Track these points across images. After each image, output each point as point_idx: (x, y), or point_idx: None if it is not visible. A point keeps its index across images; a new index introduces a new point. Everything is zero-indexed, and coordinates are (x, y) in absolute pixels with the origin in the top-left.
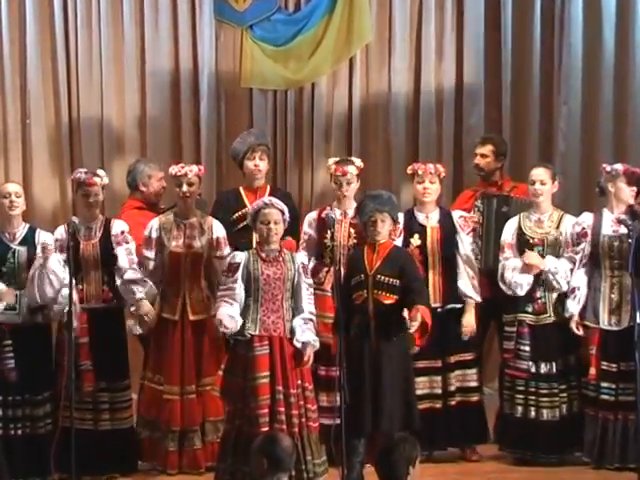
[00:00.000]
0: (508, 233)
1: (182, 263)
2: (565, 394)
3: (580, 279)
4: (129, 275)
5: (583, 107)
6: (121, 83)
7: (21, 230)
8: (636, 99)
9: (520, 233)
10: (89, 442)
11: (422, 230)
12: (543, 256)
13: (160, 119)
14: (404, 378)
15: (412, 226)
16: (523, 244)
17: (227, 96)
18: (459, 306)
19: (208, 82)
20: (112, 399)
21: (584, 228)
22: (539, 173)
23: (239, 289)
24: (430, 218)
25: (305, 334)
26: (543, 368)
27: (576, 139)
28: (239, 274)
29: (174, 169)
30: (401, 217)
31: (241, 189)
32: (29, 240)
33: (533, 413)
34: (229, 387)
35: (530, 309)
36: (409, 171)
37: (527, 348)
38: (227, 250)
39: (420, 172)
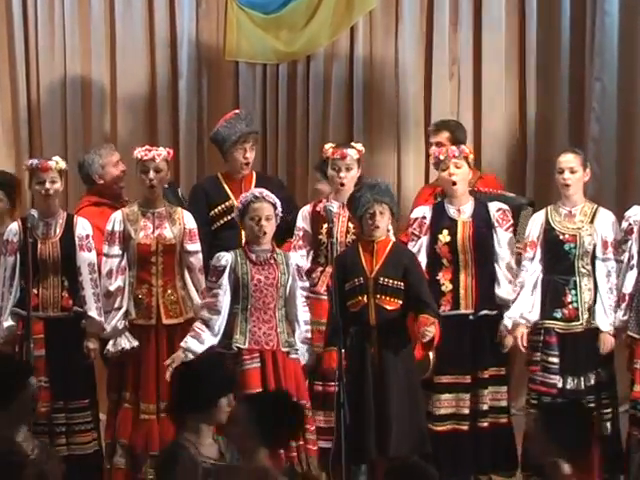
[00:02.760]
0: (533, 229)
1: (153, 256)
2: (594, 413)
3: (629, 284)
4: (92, 313)
5: (619, 84)
6: (87, 57)
7: None
8: None
9: (548, 228)
10: None
11: (452, 225)
12: (573, 256)
13: (133, 98)
14: (412, 395)
15: (441, 220)
16: (552, 241)
17: (209, 71)
18: (493, 313)
19: (188, 55)
20: (70, 420)
21: (631, 224)
22: (569, 160)
23: (223, 297)
24: (462, 211)
25: (305, 357)
26: (570, 383)
27: (611, 121)
28: (224, 279)
29: (139, 153)
30: (428, 211)
31: (220, 177)
32: None
33: None
34: None
35: (559, 315)
36: (432, 161)
37: (556, 360)
38: (199, 245)
39: (442, 157)
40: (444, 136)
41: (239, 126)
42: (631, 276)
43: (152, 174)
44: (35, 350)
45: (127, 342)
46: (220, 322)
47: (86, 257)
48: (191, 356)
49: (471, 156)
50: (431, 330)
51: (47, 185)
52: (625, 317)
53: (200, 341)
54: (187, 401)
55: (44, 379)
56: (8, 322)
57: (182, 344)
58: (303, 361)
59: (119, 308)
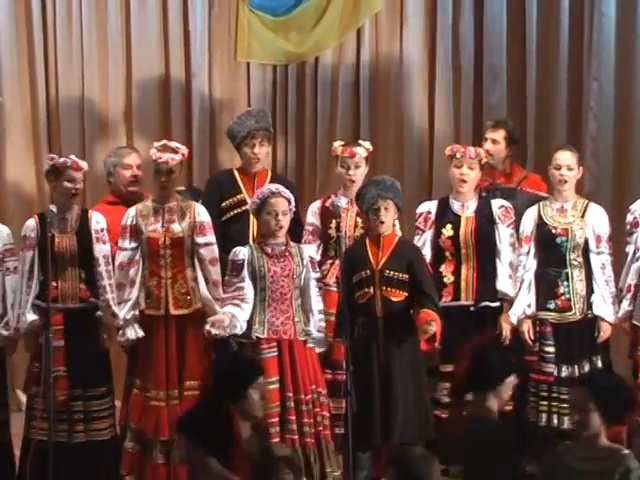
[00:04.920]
0: (527, 225)
1: (161, 249)
2: None
3: (634, 275)
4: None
5: (616, 83)
6: (104, 57)
7: None
8: None
9: (541, 223)
10: (64, 456)
11: (456, 220)
12: (565, 249)
13: (147, 97)
14: (417, 383)
15: (446, 215)
16: (545, 235)
17: (221, 72)
18: (494, 305)
19: (200, 56)
20: (87, 408)
21: (636, 217)
22: (566, 157)
23: (248, 289)
24: (466, 207)
25: (321, 345)
26: (565, 371)
27: (608, 119)
28: (245, 272)
29: (154, 154)
30: (434, 206)
31: (235, 172)
32: None
33: (555, 421)
34: None
35: (552, 306)
36: (447, 152)
37: (551, 349)
38: (212, 237)
39: (459, 155)
40: (501, 134)
41: (248, 122)
42: (636, 267)
43: (164, 177)
44: (55, 341)
45: (134, 332)
46: (249, 311)
47: (101, 249)
48: (236, 324)
49: (484, 160)
50: (432, 328)
51: (78, 185)
52: (630, 307)
53: (241, 309)
54: (481, 379)
55: (63, 369)
56: (31, 316)
57: (225, 309)
58: (318, 349)
59: (128, 299)
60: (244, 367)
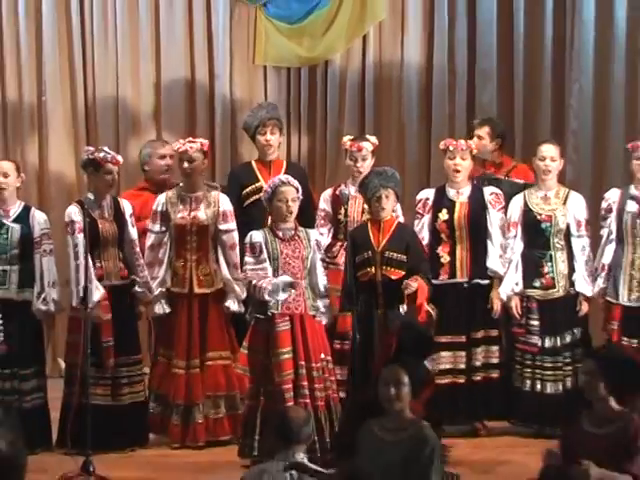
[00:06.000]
0: (514, 211)
1: (187, 235)
2: (570, 367)
3: (608, 255)
4: (142, 280)
5: (595, 85)
6: (136, 61)
7: (16, 208)
8: None
9: (527, 210)
10: (111, 417)
11: (451, 205)
12: (549, 233)
13: (174, 97)
14: None
15: (442, 201)
16: (530, 221)
17: (241, 73)
18: (484, 282)
19: (223, 60)
20: (129, 373)
21: (610, 204)
22: (549, 149)
23: (269, 267)
24: (461, 194)
25: (325, 317)
26: (548, 342)
27: (588, 117)
28: (265, 253)
29: (176, 145)
30: (432, 193)
31: (253, 163)
32: (23, 218)
33: (539, 387)
34: (252, 364)
35: (538, 284)
36: (441, 147)
37: (536, 323)
38: (233, 224)
39: (451, 148)
40: (485, 131)
41: (260, 113)
42: (610, 249)
43: (186, 164)
44: (103, 315)
45: (161, 308)
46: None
47: (135, 232)
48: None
49: (475, 151)
50: (413, 285)
51: (115, 177)
52: (604, 285)
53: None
54: None
55: (111, 339)
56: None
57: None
58: (324, 321)
59: (157, 277)
60: (425, 338)
